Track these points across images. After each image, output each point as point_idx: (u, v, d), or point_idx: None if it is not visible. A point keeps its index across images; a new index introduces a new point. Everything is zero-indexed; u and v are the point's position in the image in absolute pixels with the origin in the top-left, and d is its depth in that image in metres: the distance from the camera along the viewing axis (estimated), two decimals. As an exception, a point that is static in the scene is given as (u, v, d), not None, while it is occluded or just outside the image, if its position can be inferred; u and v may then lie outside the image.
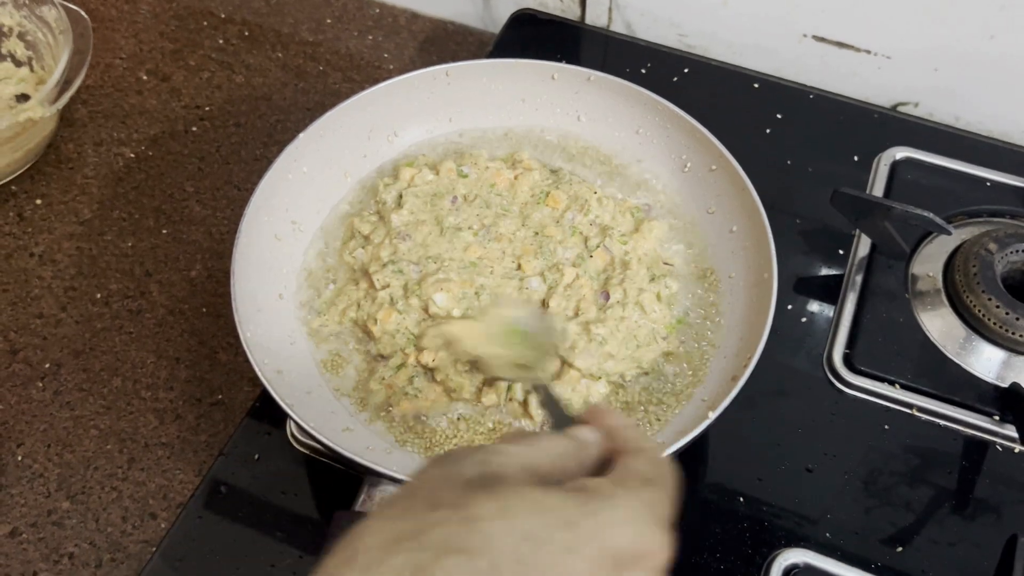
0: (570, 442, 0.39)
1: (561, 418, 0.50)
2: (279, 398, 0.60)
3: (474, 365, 0.65)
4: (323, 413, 0.66)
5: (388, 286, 0.71)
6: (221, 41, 1.04)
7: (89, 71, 0.99)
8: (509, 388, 0.68)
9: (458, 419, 0.67)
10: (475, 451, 0.37)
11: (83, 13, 0.91)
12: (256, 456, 0.71)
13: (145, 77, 1.01)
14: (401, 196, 0.76)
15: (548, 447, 0.38)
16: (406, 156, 0.82)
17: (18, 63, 0.95)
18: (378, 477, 0.58)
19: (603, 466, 0.39)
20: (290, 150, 0.73)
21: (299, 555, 0.66)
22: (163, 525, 0.71)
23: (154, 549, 0.67)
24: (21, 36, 0.94)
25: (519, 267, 0.73)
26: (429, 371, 0.68)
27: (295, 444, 0.71)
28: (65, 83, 0.87)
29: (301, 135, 0.74)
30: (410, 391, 0.67)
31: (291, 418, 0.60)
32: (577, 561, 0.31)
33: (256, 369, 0.61)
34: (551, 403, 0.52)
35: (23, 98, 0.93)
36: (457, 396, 0.67)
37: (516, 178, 0.78)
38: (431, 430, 0.66)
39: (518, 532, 0.31)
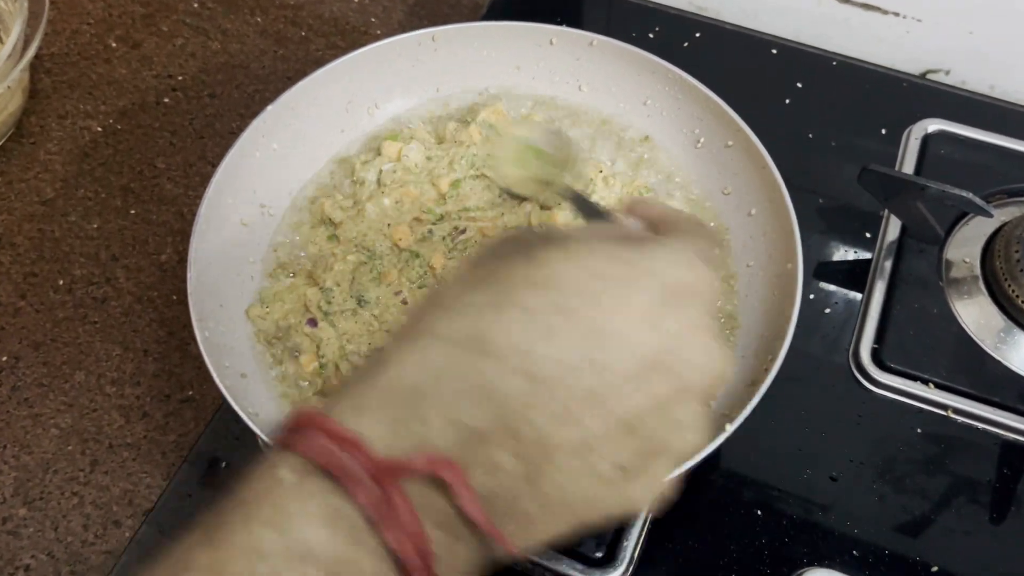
0: (617, 227, 0.42)
1: (598, 216, 0.52)
2: (239, 408, 0.54)
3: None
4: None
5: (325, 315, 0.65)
6: (196, 5, 0.98)
7: (54, 38, 0.94)
8: None
9: None
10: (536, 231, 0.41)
11: None
12: (224, 464, 0.65)
13: (114, 44, 0.95)
14: (380, 179, 0.70)
15: (597, 231, 0.41)
16: (389, 129, 0.76)
17: None
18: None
19: None
20: (256, 124, 0.67)
21: None
22: (127, 534, 0.66)
23: (117, 561, 0.63)
24: None
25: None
26: None
27: (267, 451, 0.65)
28: (22, 55, 0.80)
29: (269, 107, 0.68)
30: None
31: (253, 430, 0.54)
32: (636, 291, 0.35)
33: (213, 374, 0.55)
34: (585, 206, 0.53)
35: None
36: None
37: (511, 154, 0.72)
38: None
39: (582, 270, 0.35)
